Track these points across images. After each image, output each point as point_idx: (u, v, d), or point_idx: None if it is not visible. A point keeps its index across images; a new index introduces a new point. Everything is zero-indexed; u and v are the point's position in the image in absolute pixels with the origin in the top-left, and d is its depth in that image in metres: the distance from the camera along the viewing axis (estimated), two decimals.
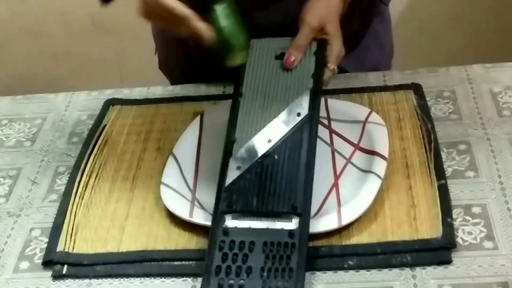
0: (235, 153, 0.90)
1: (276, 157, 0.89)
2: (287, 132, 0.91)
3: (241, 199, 0.86)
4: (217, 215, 0.85)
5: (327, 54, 0.97)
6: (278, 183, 0.86)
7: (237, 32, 0.93)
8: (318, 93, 0.94)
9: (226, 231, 0.84)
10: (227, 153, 0.90)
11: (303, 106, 0.92)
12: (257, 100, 0.94)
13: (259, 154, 0.89)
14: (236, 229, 0.84)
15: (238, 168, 0.89)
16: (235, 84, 0.98)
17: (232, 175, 0.88)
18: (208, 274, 0.81)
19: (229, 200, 0.86)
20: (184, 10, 0.90)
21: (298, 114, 0.92)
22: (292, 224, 0.83)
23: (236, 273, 0.80)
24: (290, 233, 0.83)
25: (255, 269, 0.80)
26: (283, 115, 0.92)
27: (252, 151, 0.90)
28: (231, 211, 0.85)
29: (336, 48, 0.97)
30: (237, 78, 0.99)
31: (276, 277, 0.79)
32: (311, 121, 0.91)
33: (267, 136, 0.91)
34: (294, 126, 0.91)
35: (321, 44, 0.98)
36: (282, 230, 0.83)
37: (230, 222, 0.85)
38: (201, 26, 0.90)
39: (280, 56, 0.97)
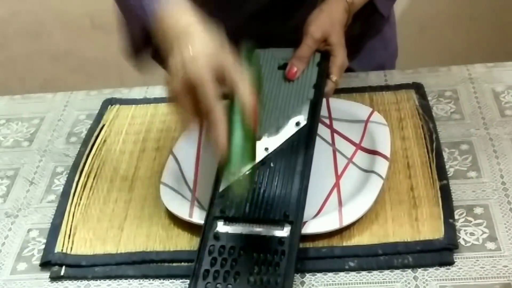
0: None
1: (272, 165, 0.88)
2: (285, 141, 0.90)
3: (234, 205, 0.86)
4: (209, 220, 0.85)
5: (330, 65, 0.97)
6: (272, 190, 0.86)
7: (246, 159, 0.80)
8: (318, 103, 0.94)
9: (217, 236, 0.84)
10: None
11: (302, 116, 0.92)
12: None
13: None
14: (227, 234, 0.84)
15: None
16: None
17: (226, 181, 0.87)
18: (195, 277, 0.80)
19: (222, 206, 0.86)
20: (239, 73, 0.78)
21: (297, 124, 0.92)
22: (283, 232, 0.83)
23: (223, 277, 0.80)
24: (280, 240, 0.82)
25: (243, 274, 0.80)
26: (282, 124, 0.92)
27: None
28: (224, 216, 0.85)
29: (339, 60, 0.97)
30: None
31: (263, 283, 0.79)
32: (309, 131, 0.91)
33: (265, 144, 0.90)
34: (292, 136, 0.91)
35: (325, 56, 0.97)
36: (273, 237, 0.83)
37: (222, 228, 0.84)
38: (223, 131, 0.76)
39: (283, 67, 0.97)
